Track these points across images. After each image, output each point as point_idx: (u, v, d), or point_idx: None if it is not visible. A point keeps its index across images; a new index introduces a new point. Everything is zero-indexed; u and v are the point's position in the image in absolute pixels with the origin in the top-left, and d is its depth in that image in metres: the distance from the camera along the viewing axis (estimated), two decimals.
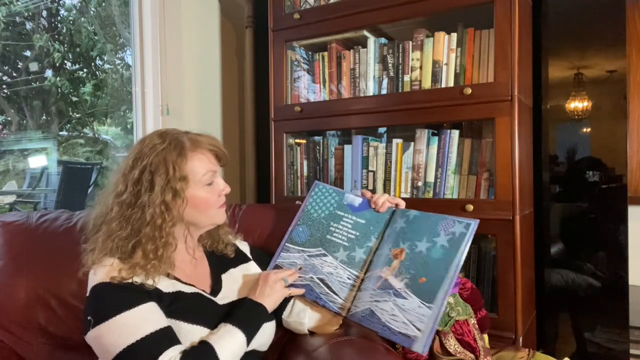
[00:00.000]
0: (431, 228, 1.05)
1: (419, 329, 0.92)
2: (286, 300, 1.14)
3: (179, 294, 0.96)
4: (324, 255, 1.12)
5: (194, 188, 0.99)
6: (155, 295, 0.92)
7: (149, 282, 0.92)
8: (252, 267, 1.17)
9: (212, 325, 0.95)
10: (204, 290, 1.02)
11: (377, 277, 1.03)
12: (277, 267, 1.14)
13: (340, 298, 1.05)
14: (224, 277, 1.09)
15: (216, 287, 1.06)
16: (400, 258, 1.03)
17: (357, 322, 1.01)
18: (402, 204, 1.14)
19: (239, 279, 1.11)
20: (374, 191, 1.61)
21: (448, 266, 0.98)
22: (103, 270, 0.91)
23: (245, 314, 0.98)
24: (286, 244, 1.17)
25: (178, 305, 0.94)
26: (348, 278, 1.07)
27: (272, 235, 1.28)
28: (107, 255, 0.93)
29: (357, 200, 1.18)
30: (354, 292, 1.05)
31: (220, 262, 1.13)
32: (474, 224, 1.01)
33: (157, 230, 0.94)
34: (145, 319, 0.87)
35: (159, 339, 0.86)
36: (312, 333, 1.11)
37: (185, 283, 0.99)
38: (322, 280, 1.08)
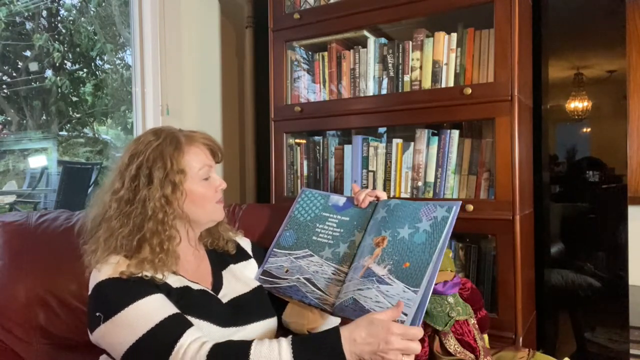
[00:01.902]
0: (413, 215, 1.04)
1: (404, 314, 0.90)
2: (286, 302, 1.15)
3: (186, 289, 0.96)
4: (310, 255, 1.13)
5: (191, 182, 1.00)
6: (164, 289, 0.92)
7: (159, 276, 0.92)
8: (252, 265, 1.18)
9: (218, 322, 0.95)
10: (207, 288, 1.02)
11: (360, 266, 1.03)
12: (265, 272, 1.15)
13: (325, 294, 1.05)
14: (224, 273, 1.10)
15: (217, 285, 1.06)
16: (382, 245, 1.03)
17: (341, 314, 1.00)
18: (383, 196, 1.15)
19: (238, 275, 1.12)
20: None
21: (432, 249, 0.97)
22: (109, 267, 0.90)
23: (317, 353, 0.82)
24: (274, 249, 1.19)
25: (186, 301, 0.94)
26: (333, 273, 1.08)
27: (271, 235, 1.28)
28: (112, 254, 0.93)
29: (341, 200, 1.20)
30: (338, 286, 1.05)
31: (221, 259, 1.13)
32: (456, 206, 1.00)
33: (160, 224, 0.94)
34: (158, 307, 0.87)
35: (177, 321, 0.86)
36: (309, 334, 1.11)
37: (191, 280, 1.00)
38: (308, 279, 1.09)
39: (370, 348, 0.81)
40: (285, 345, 0.82)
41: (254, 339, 0.85)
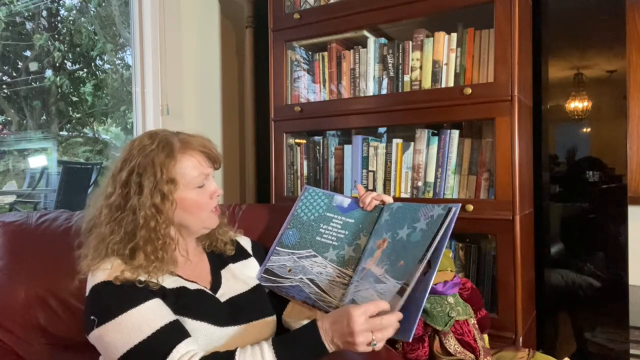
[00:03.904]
0: (412, 215, 1.04)
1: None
2: (286, 301, 1.15)
3: (182, 290, 0.96)
4: (314, 256, 1.12)
5: (184, 190, 0.98)
6: (159, 293, 0.91)
7: (153, 280, 0.92)
8: (252, 263, 1.17)
9: (217, 322, 0.95)
10: (205, 287, 1.02)
11: (362, 269, 1.03)
12: (267, 270, 1.15)
13: (330, 296, 1.05)
14: (223, 272, 1.10)
15: (216, 284, 1.06)
16: (383, 247, 1.03)
17: None
18: (389, 200, 1.14)
19: (237, 274, 1.11)
20: (374, 191, 1.61)
21: (424, 244, 0.95)
22: (103, 272, 0.90)
23: (299, 350, 0.86)
24: (276, 248, 1.18)
25: (183, 302, 0.93)
26: (338, 276, 1.07)
27: (272, 235, 1.27)
28: (106, 258, 0.92)
29: (346, 201, 1.19)
30: (343, 289, 1.05)
31: (220, 258, 1.13)
32: (455, 207, 0.98)
33: (153, 232, 0.94)
34: (152, 315, 0.87)
35: (169, 333, 0.86)
36: (287, 332, 1.11)
37: (188, 280, 1.00)
38: (311, 280, 1.09)
39: (338, 333, 0.84)
40: (266, 347, 0.84)
41: (237, 348, 0.86)
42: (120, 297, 0.87)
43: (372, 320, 0.84)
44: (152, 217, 0.93)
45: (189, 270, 1.03)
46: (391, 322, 0.85)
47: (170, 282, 0.95)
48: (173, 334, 0.86)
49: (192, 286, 0.99)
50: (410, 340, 0.90)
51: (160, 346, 0.83)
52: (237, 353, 0.84)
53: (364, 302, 0.93)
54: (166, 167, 0.95)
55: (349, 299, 1.00)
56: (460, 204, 1.01)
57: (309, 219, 1.19)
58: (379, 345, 0.85)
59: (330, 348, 0.85)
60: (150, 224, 0.93)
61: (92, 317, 0.86)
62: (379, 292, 0.95)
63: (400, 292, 0.91)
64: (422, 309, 0.90)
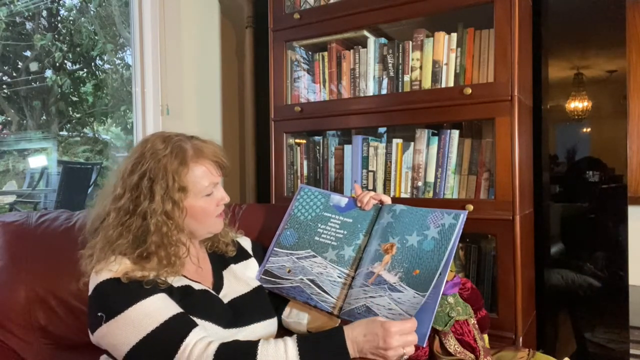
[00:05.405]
0: (420, 222, 1.05)
1: (409, 314, 0.92)
2: (285, 301, 1.14)
3: (188, 289, 0.96)
4: (314, 256, 1.12)
5: (193, 198, 0.98)
6: (167, 290, 0.92)
7: (162, 278, 0.92)
8: (252, 264, 1.18)
9: (220, 323, 0.95)
10: (208, 288, 1.02)
11: (368, 272, 1.03)
12: (266, 272, 1.15)
13: (332, 297, 1.05)
14: (224, 273, 1.10)
15: (218, 285, 1.06)
16: (392, 253, 1.03)
17: (351, 319, 1.00)
18: (387, 200, 1.15)
19: (239, 275, 1.11)
20: (374, 191, 1.61)
21: (440, 256, 0.98)
22: (109, 272, 0.89)
23: (323, 352, 0.85)
24: (274, 249, 1.17)
25: (188, 301, 0.93)
26: (338, 276, 1.07)
27: (272, 235, 1.28)
28: (111, 258, 0.91)
29: (343, 201, 1.19)
30: (345, 289, 1.05)
31: (222, 259, 1.13)
32: (463, 214, 1.02)
33: (165, 238, 0.93)
34: (162, 305, 0.87)
35: (180, 322, 0.86)
36: (312, 333, 1.10)
37: (192, 280, 1.00)
38: (312, 280, 1.08)
39: (370, 345, 0.85)
40: (291, 343, 0.84)
41: (260, 339, 0.86)
42: (127, 292, 0.87)
43: (406, 337, 0.87)
44: (164, 223, 0.93)
45: (192, 271, 1.03)
46: (416, 339, 0.89)
47: (175, 280, 0.96)
48: (184, 323, 0.86)
49: (197, 286, 0.99)
50: (424, 345, 0.91)
51: (172, 334, 0.83)
52: (260, 343, 0.84)
53: (380, 310, 0.95)
54: (178, 174, 0.95)
55: (360, 304, 0.99)
56: (467, 211, 1.04)
57: (306, 218, 1.19)
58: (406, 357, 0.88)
59: (354, 355, 0.86)
60: (163, 229, 0.93)
61: (99, 314, 0.86)
62: (395, 301, 0.96)
63: (424, 305, 0.93)
64: (434, 314, 0.92)
